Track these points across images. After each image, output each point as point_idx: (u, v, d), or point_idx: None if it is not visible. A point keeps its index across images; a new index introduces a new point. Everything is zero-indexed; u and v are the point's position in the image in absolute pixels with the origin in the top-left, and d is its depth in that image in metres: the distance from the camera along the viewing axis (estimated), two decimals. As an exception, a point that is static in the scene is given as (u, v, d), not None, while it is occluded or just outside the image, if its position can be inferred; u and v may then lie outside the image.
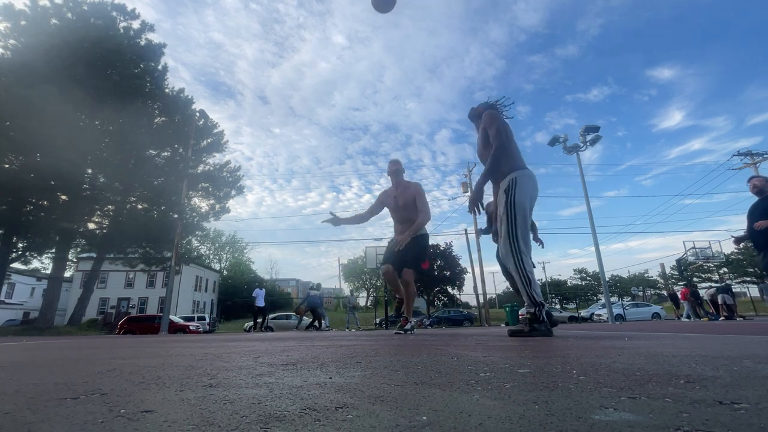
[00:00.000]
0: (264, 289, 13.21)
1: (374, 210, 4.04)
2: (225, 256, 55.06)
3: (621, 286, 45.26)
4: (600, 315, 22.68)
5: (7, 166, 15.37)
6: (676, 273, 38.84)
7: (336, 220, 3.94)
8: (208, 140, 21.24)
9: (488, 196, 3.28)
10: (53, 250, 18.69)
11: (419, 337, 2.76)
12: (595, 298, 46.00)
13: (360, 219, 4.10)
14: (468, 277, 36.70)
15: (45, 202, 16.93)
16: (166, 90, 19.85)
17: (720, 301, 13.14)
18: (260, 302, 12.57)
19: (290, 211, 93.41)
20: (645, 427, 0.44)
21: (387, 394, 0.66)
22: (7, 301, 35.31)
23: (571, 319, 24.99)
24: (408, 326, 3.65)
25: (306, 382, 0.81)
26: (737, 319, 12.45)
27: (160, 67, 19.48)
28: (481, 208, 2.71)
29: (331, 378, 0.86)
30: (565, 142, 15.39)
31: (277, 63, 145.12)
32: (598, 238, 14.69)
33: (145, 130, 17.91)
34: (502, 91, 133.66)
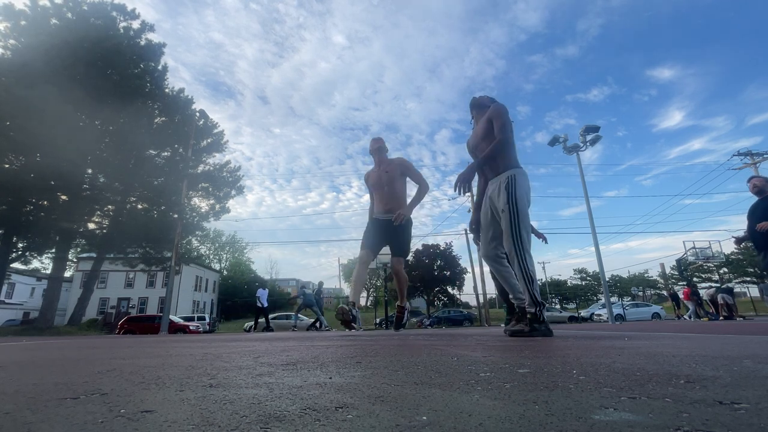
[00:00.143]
0: (267, 290, 13.21)
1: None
2: (225, 256, 55.09)
3: (621, 286, 45.25)
4: (600, 315, 22.68)
5: (7, 166, 15.38)
6: (676, 273, 38.85)
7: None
8: (208, 140, 21.25)
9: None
10: (53, 250, 18.69)
11: (419, 337, 2.76)
12: (595, 298, 45.99)
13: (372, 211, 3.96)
14: (468, 277, 36.73)
15: (45, 202, 16.93)
16: (166, 90, 19.86)
17: (720, 301, 13.14)
18: (263, 302, 12.57)
19: (290, 211, 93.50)
20: (645, 427, 0.44)
21: (387, 394, 0.66)
22: (7, 301, 35.31)
23: (571, 319, 25.00)
24: (404, 318, 3.72)
25: (306, 382, 0.81)
26: (737, 319, 12.45)
27: (160, 67, 19.49)
28: (466, 189, 2.69)
29: (331, 378, 0.86)
30: (565, 142, 15.39)
31: (277, 63, 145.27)
32: (598, 238, 14.70)
33: (145, 130, 17.91)
34: (502, 91, 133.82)
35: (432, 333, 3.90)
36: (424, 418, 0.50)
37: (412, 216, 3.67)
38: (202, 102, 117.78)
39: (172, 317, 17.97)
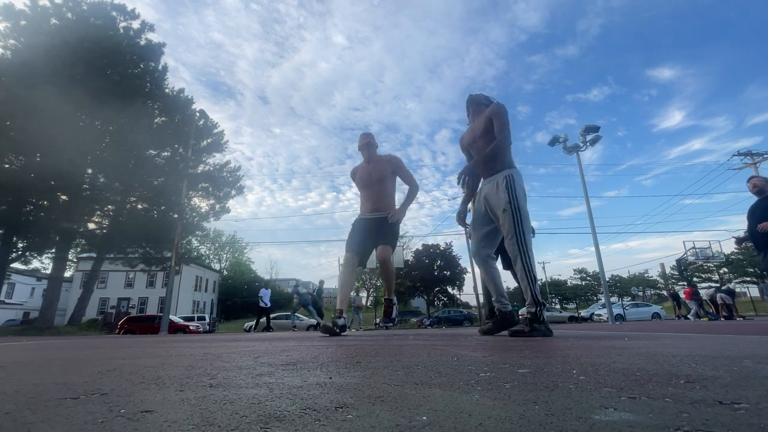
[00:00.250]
0: (270, 289, 13.21)
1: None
2: (225, 256, 55.09)
3: (621, 286, 45.26)
4: (600, 315, 22.69)
5: (7, 166, 15.38)
6: (676, 273, 38.87)
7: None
8: (208, 140, 21.27)
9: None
10: (53, 250, 18.70)
11: (419, 337, 2.76)
12: (595, 298, 46.01)
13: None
14: (468, 277, 36.71)
15: (45, 202, 16.93)
16: (166, 90, 19.87)
17: (719, 301, 13.16)
18: (266, 302, 12.57)
19: (290, 211, 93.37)
20: (645, 427, 0.44)
21: (387, 394, 0.66)
22: (7, 301, 35.33)
23: (571, 319, 25.00)
24: (394, 312, 3.51)
25: (306, 382, 0.81)
26: (737, 319, 12.46)
27: (160, 67, 19.50)
28: (476, 184, 2.65)
29: (331, 378, 0.86)
30: (565, 142, 15.39)
31: (278, 63, 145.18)
32: (598, 238, 14.70)
33: (145, 130, 17.92)
34: (502, 91, 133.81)
35: (432, 333, 3.90)
36: (424, 418, 0.50)
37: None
38: (202, 102, 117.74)
39: (172, 317, 17.98)
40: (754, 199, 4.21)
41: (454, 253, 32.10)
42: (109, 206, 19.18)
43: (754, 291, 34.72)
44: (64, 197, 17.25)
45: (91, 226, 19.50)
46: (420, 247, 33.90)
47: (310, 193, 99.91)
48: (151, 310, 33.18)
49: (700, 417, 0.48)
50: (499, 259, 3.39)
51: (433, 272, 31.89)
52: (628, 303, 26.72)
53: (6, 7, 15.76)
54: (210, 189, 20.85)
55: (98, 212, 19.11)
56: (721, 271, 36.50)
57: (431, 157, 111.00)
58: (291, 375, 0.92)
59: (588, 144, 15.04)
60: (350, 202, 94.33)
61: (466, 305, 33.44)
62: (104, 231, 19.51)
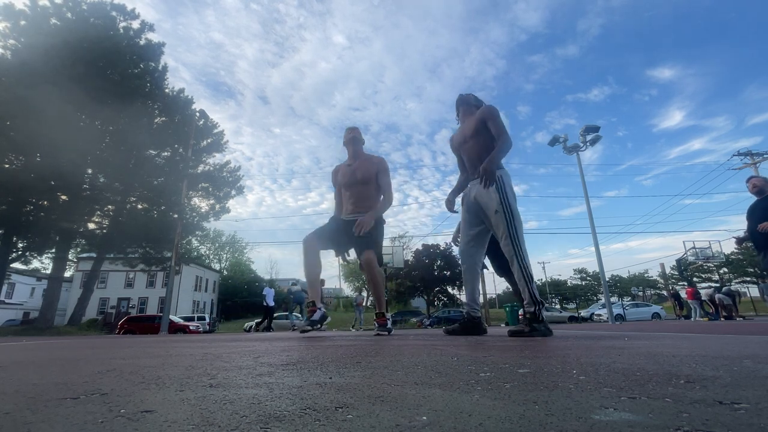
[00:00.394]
0: (273, 289, 13.20)
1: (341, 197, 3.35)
2: (225, 256, 55.11)
3: (621, 286, 45.28)
4: (600, 315, 22.69)
5: (7, 166, 15.38)
6: (676, 273, 38.87)
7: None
8: (208, 140, 21.28)
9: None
10: (53, 250, 18.71)
11: (419, 337, 2.76)
12: (595, 298, 46.02)
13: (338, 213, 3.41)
14: (468, 277, 36.61)
15: (45, 202, 16.94)
16: (166, 90, 19.88)
17: (718, 302, 13.17)
18: (269, 301, 12.57)
19: (290, 211, 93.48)
20: (645, 427, 0.44)
21: (387, 394, 0.66)
22: (7, 301, 35.34)
23: (571, 319, 25.01)
24: (389, 324, 3.20)
25: (306, 382, 0.81)
26: (737, 319, 12.46)
27: (160, 67, 19.51)
28: (491, 181, 2.51)
29: (331, 378, 0.86)
30: (565, 142, 15.40)
31: (278, 63, 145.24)
32: (598, 238, 14.70)
33: (145, 130, 17.92)
34: (502, 90, 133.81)
35: (432, 333, 3.90)
36: (424, 418, 0.50)
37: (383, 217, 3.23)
38: (202, 102, 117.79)
39: (172, 317, 17.97)
40: (754, 199, 4.21)
41: (454, 253, 32.08)
42: (109, 206, 19.19)
43: (754, 291, 34.74)
44: (64, 197, 17.25)
45: (91, 226, 19.52)
46: (420, 247, 33.92)
47: (310, 193, 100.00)
48: (151, 310, 33.18)
49: (700, 417, 0.48)
50: (490, 264, 3.36)
51: (433, 272, 31.91)
52: (628, 303, 26.73)
53: (6, 7, 15.77)
54: (210, 189, 20.86)
55: (98, 212, 19.12)
56: (721, 271, 36.52)
57: (431, 157, 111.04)
58: (291, 375, 0.92)
59: (588, 144, 15.04)
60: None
61: (466, 305, 33.39)
62: (104, 231, 19.51)
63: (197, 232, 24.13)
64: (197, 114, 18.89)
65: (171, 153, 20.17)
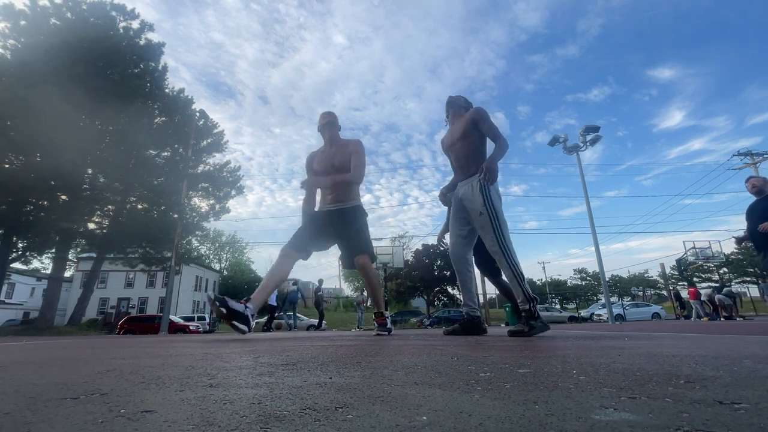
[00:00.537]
0: (276, 289, 13.19)
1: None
2: (225, 256, 55.12)
3: (621, 286, 45.31)
4: (600, 315, 22.70)
5: (7, 166, 15.38)
6: (676, 273, 38.87)
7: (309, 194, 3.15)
8: (208, 140, 21.28)
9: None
10: (53, 250, 18.71)
11: (419, 337, 2.76)
12: (595, 298, 46.04)
13: (311, 205, 3.21)
14: (468, 277, 36.62)
15: (45, 202, 16.94)
16: (166, 90, 19.89)
17: (717, 302, 13.18)
18: (272, 301, 12.58)
19: (290, 211, 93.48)
20: (645, 427, 0.44)
21: (387, 394, 0.66)
22: (7, 301, 35.34)
23: (571, 319, 25.02)
24: (389, 323, 3.11)
25: (306, 382, 0.81)
26: (737, 319, 12.46)
27: (160, 67, 19.51)
28: (492, 178, 2.53)
29: (331, 378, 0.86)
30: (565, 142, 15.40)
31: (278, 63, 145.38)
32: (598, 238, 14.70)
33: (145, 130, 17.92)
34: (502, 90, 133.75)
35: (432, 333, 3.90)
36: (424, 418, 0.50)
37: (360, 200, 3.10)
38: (202, 102, 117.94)
39: (172, 317, 17.98)
40: (753, 198, 4.22)
41: (453, 253, 32.09)
42: (109, 206, 19.19)
43: (754, 291, 34.75)
44: (64, 197, 17.25)
45: (91, 226, 19.52)
46: (420, 247, 33.93)
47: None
48: (151, 310, 33.17)
49: (700, 417, 0.48)
50: (476, 267, 3.37)
51: (433, 272, 31.92)
52: (628, 303, 26.73)
53: (6, 7, 15.77)
54: (210, 189, 20.86)
55: (98, 212, 19.12)
56: (721, 271, 36.51)
57: (431, 157, 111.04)
58: (291, 375, 0.92)
59: (588, 144, 15.04)
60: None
61: (466, 305, 33.38)
62: (104, 231, 19.51)
63: (197, 232, 24.15)
64: (197, 114, 18.89)
65: (171, 153, 20.17)
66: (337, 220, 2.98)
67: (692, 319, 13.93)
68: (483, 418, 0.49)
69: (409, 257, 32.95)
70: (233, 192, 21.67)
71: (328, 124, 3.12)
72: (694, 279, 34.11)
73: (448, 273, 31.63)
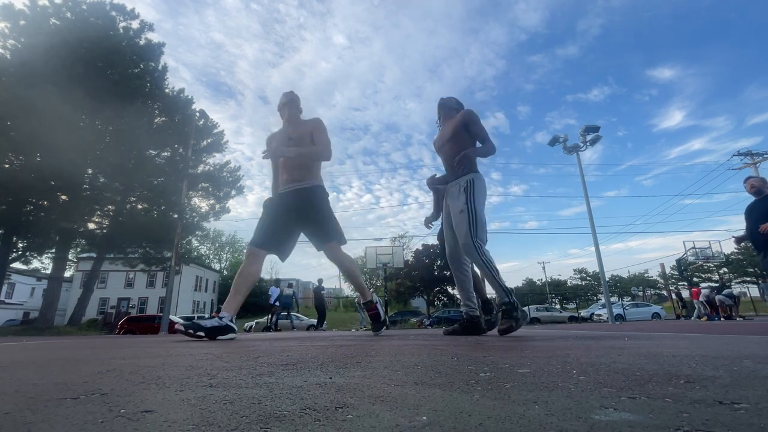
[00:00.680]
0: (279, 288, 13.19)
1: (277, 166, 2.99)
2: (225, 256, 55.15)
3: (621, 286, 45.33)
4: (600, 315, 22.70)
5: (7, 166, 15.37)
6: (676, 273, 38.89)
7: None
8: (208, 140, 21.27)
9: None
10: (53, 250, 18.70)
11: (419, 337, 2.76)
12: (595, 298, 46.07)
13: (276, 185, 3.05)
14: (468, 277, 36.62)
15: (45, 202, 16.93)
16: (166, 90, 19.87)
17: (717, 303, 13.18)
18: (273, 300, 12.58)
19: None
20: (645, 427, 0.44)
21: (387, 394, 0.66)
22: (7, 301, 35.34)
23: (571, 319, 25.01)
24: (381, 312, 3.00)
25: (306, 382, 0.81)
26: (737, 319, 12.47)
27: (160, 67, 19.50)
28: (464, 165, 2.62)
29: (331, 378, 0.86)
30: (565, 142, 15.40)
31: (278, 63, 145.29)
32: (598, 238, 14.70)
33: (145, 130, 17.91)
34: (502, 90, 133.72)
35: (432, 333, 3.90)
36: (424, 418, 0.50)
37: (323, 181, 2.92)
38: (202, 102, 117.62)
39: (172, 317, 17.95)
40: (753, 198, 4.22)
41: (454, 253, 32.09)
42: (109, 206, 19.17)
43: (754, 291, 34.74)
44: (64, 197, 17.24)
45: (91, 226, 19.50)
46: (420, 247, 33.93)
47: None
48: (151, 310, 33.18)
49: (700, 417, 0.48)
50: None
51: (433, 272, 31.91)
52: (628, 303, 26.73)
53: (6, 7, 15.77)
54: (210, 189, 20.85)
55: (98, 212, 19.10)
56: (721, 271, 36.53)
57: (431, 157, 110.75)
58: (291, 375, 0.92)
59: (588, 144, 15.04)
60: (350, 202, 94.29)
61: (466, 305, 33.38)
62: (104, 231, 19.50)
63: (197, 232, 24.15)
64: (197, 114, 18.87)
65: (171, 153, 20.16)
66: (296, 202, 2.74)
67: (692, 318, 13.93)
68: (483, 418, 0.49)
69: (409, 257, 32.97)
70: (233, 192, 21.67)
71: (288, 102, 2.97)
72: (694, 279, 34.13)
73: (448, 273, 31.51)
